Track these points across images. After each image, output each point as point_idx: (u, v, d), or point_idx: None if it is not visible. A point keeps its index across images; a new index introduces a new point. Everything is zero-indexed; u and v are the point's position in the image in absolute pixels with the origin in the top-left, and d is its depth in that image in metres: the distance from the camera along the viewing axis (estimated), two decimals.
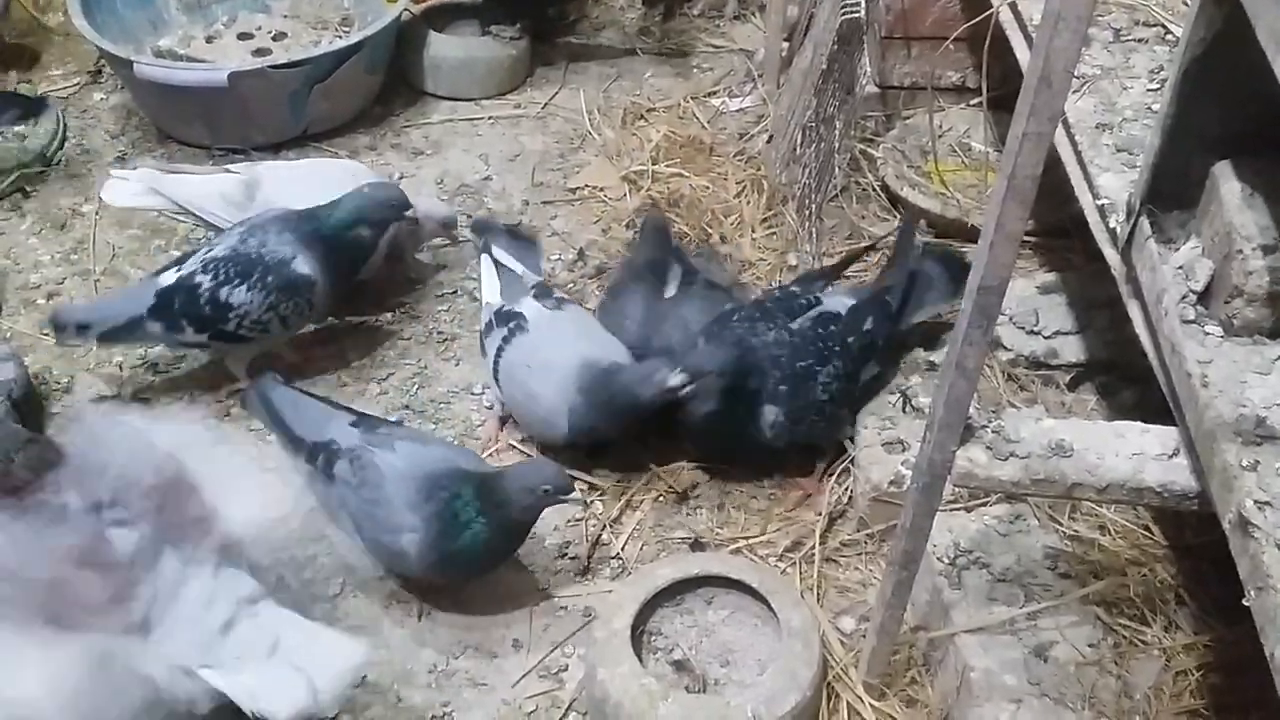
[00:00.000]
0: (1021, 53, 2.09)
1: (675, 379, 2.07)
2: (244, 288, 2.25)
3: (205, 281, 2.25)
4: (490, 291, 2.36)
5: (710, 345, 2.16)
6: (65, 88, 3.20)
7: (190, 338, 2.29)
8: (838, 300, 2.26)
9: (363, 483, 1.95)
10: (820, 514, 2.12)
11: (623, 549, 2.12)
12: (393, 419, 2.29)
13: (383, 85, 3.14)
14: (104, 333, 2.26)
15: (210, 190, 2.51)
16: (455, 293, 2.63)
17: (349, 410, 2.13)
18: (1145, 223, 1.55)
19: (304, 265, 2.29)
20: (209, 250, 2.31)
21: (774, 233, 2.71)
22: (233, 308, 2.25)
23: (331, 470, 1.98)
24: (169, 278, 2.28)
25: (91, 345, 2.35)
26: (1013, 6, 2.12)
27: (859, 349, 2.18)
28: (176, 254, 2.55)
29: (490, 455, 2.26)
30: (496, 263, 2.38)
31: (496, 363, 2.25)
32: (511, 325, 2.25)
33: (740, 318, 2.22)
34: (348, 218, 2.34)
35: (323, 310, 2.41)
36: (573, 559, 2.12)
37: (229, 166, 2.68)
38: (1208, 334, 1.46)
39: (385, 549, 1.96)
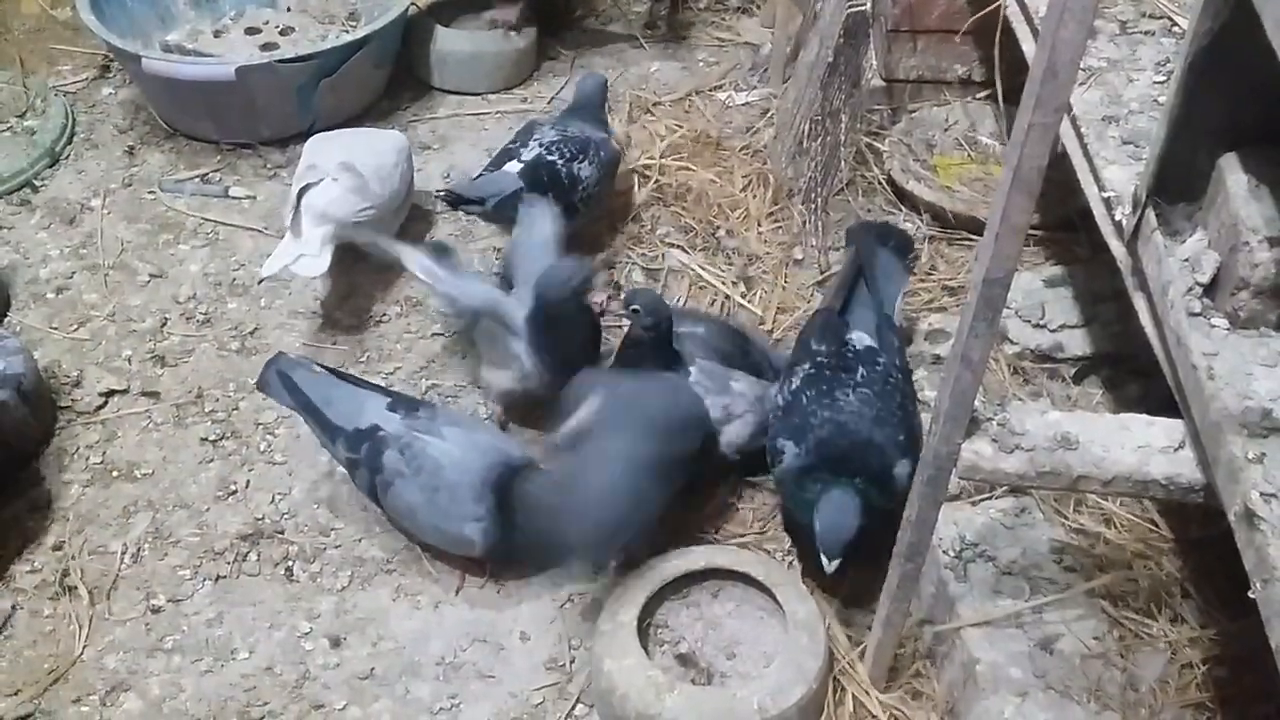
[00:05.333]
0: (1027, 45, 2.09)
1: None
2: (586, 163, 2.53)
3: (557, 159, 2.51)
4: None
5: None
6: (74, 82, 3.22)
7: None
8: (857, 335, 2.06)
9: (419, 470, 1.97)
10: None
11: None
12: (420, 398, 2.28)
13: (389, 80, 3.15)
14: (497, 202, 2.46)
15: (335, 197, 2.45)
16: None
17: (378, 389, 2.13)
18: (1151, 215, 1.55)
19: (614, 144, 2.64)
20: (539, 139, 2.54)
21: (780, 226, 2.71)
22: (581, 180, 2.52)
23: (379, 460, 1.99)
24: (515, 166, 2.50)
25: (488, 210, 2.51)
26: None
27: (906, 369, 2.03)
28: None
29: None
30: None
31: None
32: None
33: (810, 398, 1.93)
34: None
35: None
36: None
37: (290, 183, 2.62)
38: (1213, 326, 1.46)
39: (448, 535, 2.00)
